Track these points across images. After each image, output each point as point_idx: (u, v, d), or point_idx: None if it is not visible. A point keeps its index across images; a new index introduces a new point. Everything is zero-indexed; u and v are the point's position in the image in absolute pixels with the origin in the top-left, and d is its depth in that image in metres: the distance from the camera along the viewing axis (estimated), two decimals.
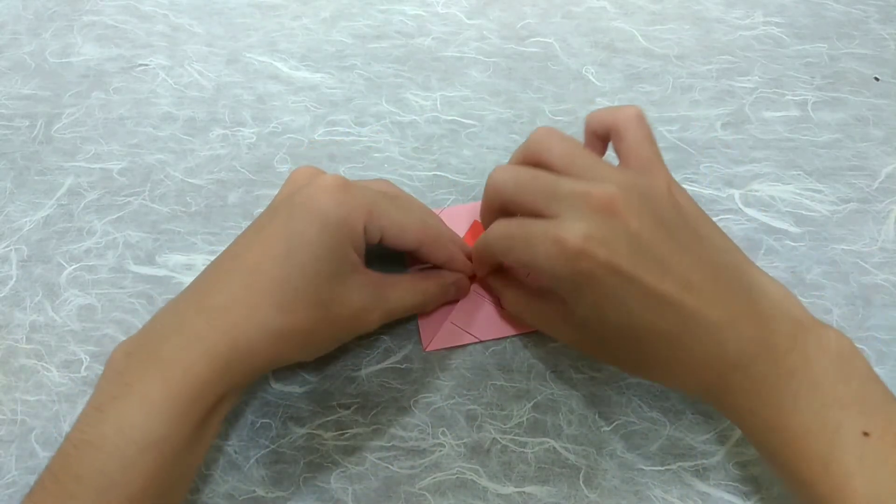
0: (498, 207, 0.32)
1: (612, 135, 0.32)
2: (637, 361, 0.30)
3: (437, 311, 0.36)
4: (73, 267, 0.39)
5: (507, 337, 0.36)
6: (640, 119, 0.31)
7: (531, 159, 0.31)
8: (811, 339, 0.28)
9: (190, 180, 0.42)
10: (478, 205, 0.40)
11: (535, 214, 0.29)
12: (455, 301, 0.36)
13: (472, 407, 0.35)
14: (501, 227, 0.31)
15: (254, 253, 0.29)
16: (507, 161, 0.42)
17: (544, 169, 0.30)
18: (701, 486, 0.33)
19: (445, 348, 0.36)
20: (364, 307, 0.30)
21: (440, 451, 0.34)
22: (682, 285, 0.27)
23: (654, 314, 0.27)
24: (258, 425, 0.34)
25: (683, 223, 0.29)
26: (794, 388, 0.27)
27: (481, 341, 0.36)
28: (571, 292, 0.29)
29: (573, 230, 0.27)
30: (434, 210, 0.40)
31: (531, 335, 0.36)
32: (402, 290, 0.33)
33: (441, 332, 0.36)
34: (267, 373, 0.32)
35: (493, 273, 0.36)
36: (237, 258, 0.29)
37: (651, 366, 0.30)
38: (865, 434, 0.26)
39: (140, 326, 0.37)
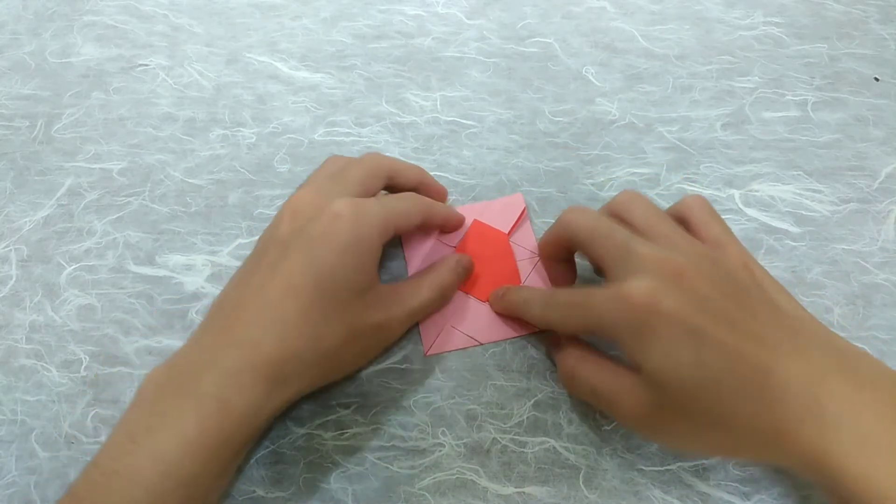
0: (564, 245, 0.33)
1: (682, 220, 0.32)
2: (719, 420, 0.26)
3: (436, 316, 0.36)
4: (72, 267, 0.39)
5: (508, 339, 0.36)
6: (704, 203, 0.32)
7: (613, 214, 0.32)
8: None
9: (190, 180, 0.42)
10: (477, 205, 0.40)
11: (601, 266, 0.30)
12: (445, 305, 0.37)
13: (471, 407, 0.35)
14: (564, 294, 0.32)
15: (278, 285, 0.29)
16: (507, 162, 0.42)
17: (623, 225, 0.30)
18: (701, 486, 0.33)
19: (446, 351, 0.36)
20: (384, 318, 0.32)
21: (440, 451, 0.34)
22: (758, 338, 0.26)
23: (730, 363, 0.26)
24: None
25: (759, 292, 0.28)
26: None
27: (481, 344, 0.36)
28: (636, 344, 0.27)
29: (639, 287, 0.27)
30: None
31: (531, 335, 0.36)
32: (417, 288, 0.34)
33: (441, 336, 0.36)
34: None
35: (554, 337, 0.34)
36: (260, 291, 0.29)
37: (736, 422, 0.26)
38: None
39: (140, 326, 0.37)
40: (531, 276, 0.37)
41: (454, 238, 0.38)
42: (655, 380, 0.27)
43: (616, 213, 0.32)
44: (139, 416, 0.28)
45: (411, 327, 0.36)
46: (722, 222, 0.32)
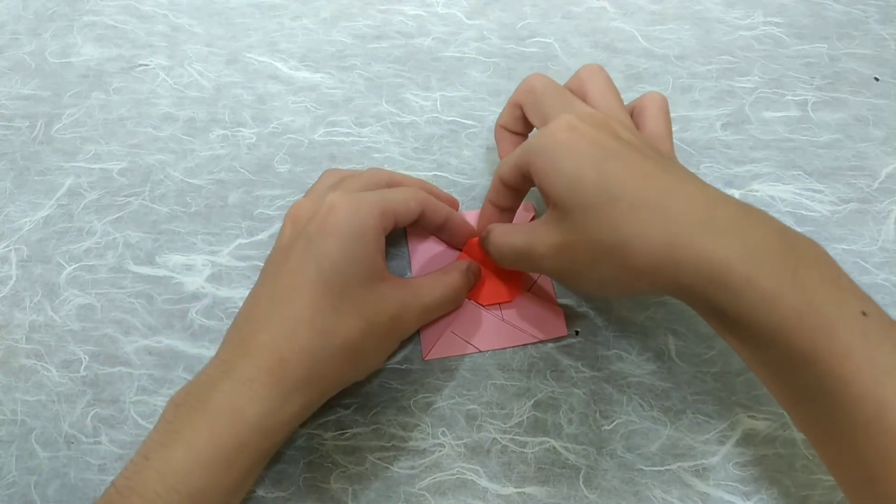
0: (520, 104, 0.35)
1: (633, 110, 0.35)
2: (614, 233, 0.27)
3: (437, 321, 0.36)
4: (72, 267, 0.39)
5: (507, 348, 0.36)
6: (662, 101, 0.34)
7: (572, 89, 0.34)
8: (797, 233, 0.27)
9: (190, 180, 0.42)
10: (475, 213, 0.40)
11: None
12: (454, 310, 0.36)
13: (471, 407, 0.35)
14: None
15: (283, 287, 0.29)
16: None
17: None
18: (701, 486, 0.33)
19: (445, 357, 0.36)
20: (400, 308, 0.31)
21: (440, 451, 0.34)
22: (666, 168, 0.28)
23: (634, 180, 0.27)
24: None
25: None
26: (794, 262, 0.26)
27: (480, 351, 0.36)
28: (549, 168, 0.29)
29: (564, 117, 0.29)
30: None
31: (532, 344, 0.36)
32: (430, 285, 0.34)
33: (441, 342, 0.36)
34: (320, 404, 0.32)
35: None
36: (269, 297, 0.29)
37: (630, 234, 0.27)
38: (864, 314, 0.25)
39: (140, 326, 0.37)
40: (535, 285, 0.37)
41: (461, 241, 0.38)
42: (562, 204, 0.28)
43: (575, 89, 0.34)
44: (156, 436, 0.27)
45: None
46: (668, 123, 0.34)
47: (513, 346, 0.36)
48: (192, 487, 0.26)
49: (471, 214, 0.39)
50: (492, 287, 0.37)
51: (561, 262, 0.30)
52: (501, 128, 0.37)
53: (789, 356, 0.26)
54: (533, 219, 0.39)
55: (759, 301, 0.25)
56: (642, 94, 0.35)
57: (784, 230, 0.27)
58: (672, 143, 0.33)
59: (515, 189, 0.34)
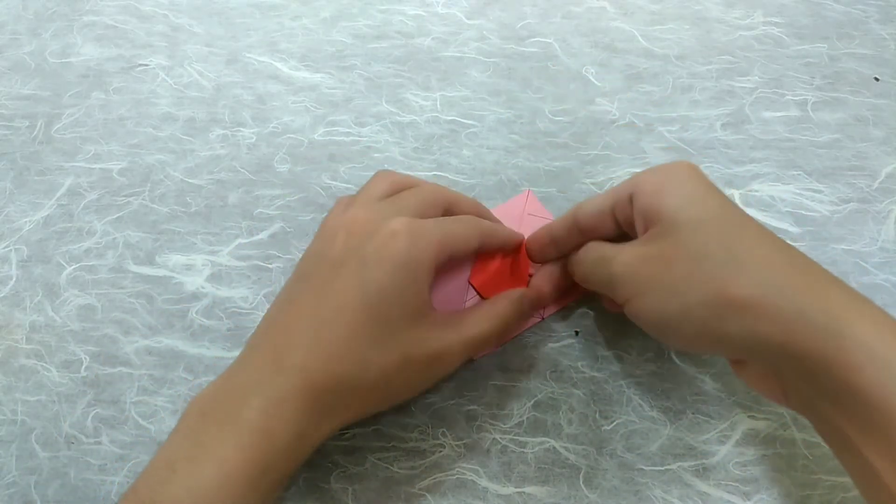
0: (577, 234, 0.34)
1: None
2: (726, 252, 0.27)
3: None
4: (73, 267, 0.39)
5: (513, 336, 0.36)
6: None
7: None
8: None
9: (190, 180, 0.42)
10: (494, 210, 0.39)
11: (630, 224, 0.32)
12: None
13: (471, 407, 0.35)
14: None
15: (328, 307, 0.28)
16: (507, 162, 0.42)
17: None
18: (701, 486, 0.33)
19: None
20: (441, 347, 0.30)
21: (440, 451, 0.34)
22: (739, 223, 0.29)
23: (755, 231, 0.28)
24: None
25: None
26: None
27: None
28: (655, 196, 0.29)
29: (655, 167, 0.31)
30: None
31: (531, 335, 0.36)
32: (477, 317, 0.32)
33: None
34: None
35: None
36: (309, 313, 0.28)
37: (750, 261, 0.27)
38: None
39: (140, 326, 0.37)
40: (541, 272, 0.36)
41: None
42: (671, 219, 0.28)
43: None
44: (180, 444, 0.27)
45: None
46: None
47: (516, 335, 0.36)
48: None
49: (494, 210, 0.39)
50: (499, 281, 0.36)
51: (646, 273, 0.29)
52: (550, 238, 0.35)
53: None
54: (528, 196, 0.40)
55: (887, 376, 0.24)
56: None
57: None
58: None
59: (584, 234, 0.33)
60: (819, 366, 0.25)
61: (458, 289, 0.36)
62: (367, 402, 0.29)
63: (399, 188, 0.32)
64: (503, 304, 0.33)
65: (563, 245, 0.34)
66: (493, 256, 0.36)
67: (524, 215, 0.39)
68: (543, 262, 0.36)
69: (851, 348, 0.25)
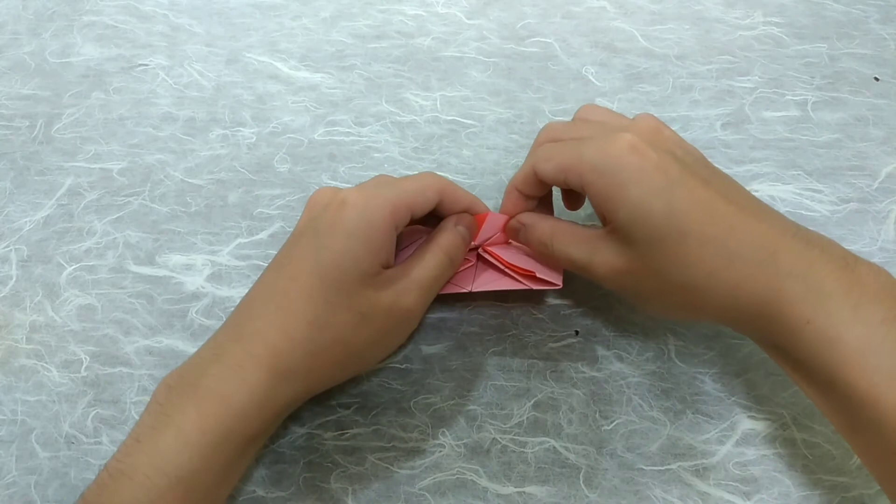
0: (540, 183, 0.33)
1: None
2: (682, 271, 0.28)
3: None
4: (73, 267, 0.39)
5: (499, 291, 0.34)
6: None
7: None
8: (861, 263, 0.27)
9: (190, 180, 0.42)
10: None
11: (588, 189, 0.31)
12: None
13: (471, 407, 0.35)
14: (550, 146, 0.32)
15: (284, 276, 0.29)
16: (507, 162, 0.42)
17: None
18: (701, 486, 0.33)
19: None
20: (393, 299, 0.30)
21: (440, 451, 0.34)
22: (727, 197, 0.28)
23: (701, 215, 0.28)
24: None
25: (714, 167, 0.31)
26: (854, 300, 0.26)
27: (471, 292, 0.34)
28: (612, 191, 0.28)
29: (623, 137, 0.29)
30: None
31: (531, 334, 0.36)
32: (421, 258, 0.31)
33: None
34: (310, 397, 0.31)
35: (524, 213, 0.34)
36: (269, 286, 0.30)
37: (697, 274, 0.28)
38: None
39: (140, 326, 0.37)
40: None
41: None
42: (626, 232, 0.29)
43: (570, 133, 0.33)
44: (147, 418, 0.27)
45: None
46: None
47: (505, 290, 0.34)
48: (180, 470, 0.26)
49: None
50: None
51: (623, 284, 0.31)
52: (515, 189, 0.34)
53: (849, 395, 0.26)
54: None
55: (819, 341, 0.26)
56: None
57: (847, 261, 0.27)
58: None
59: (548, 185, 0.33)
60: (785, 353, 0.28)
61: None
62: (329, 364, 0.29)
63: None
64: (441, 236, 0.32)
65: (533, 198, 0.34)
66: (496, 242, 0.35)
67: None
68: (516, 213, 0.35)
69: (810, 340, 0.26)
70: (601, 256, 0.30)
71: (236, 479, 0.29)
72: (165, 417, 0.27)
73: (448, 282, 0.34)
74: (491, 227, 0.35)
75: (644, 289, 0.30)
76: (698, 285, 0.28)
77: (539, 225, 0.33)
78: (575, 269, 0.32)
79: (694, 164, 0.30)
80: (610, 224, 0.30)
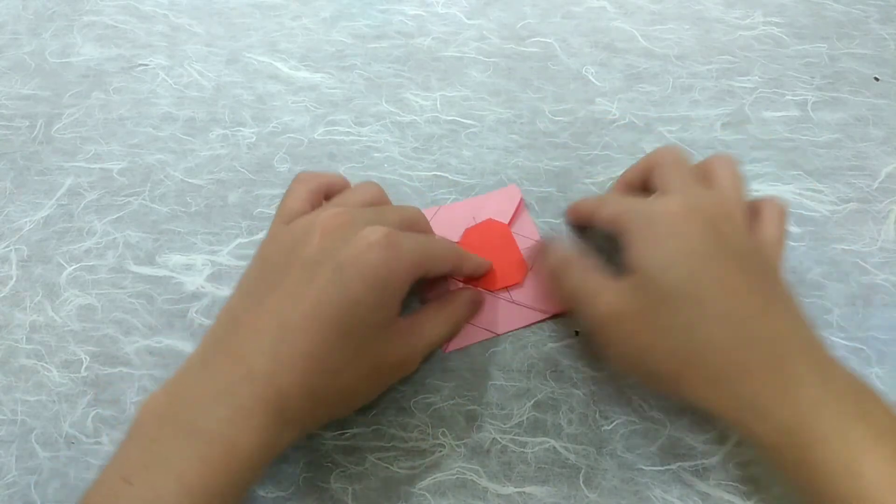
0: (645, 175, 0.35)
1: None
2: (687, 336, 0.28)
3: None
4: (73, 267, 0.39)
5: (523, 327, 0.36)
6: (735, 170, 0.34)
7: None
8: (872, 395, 0.27)
9: (190, 180, 0.42)
10: (474, 200, 0.40)
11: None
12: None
13: (471, 407, 0.35)
14: (619, 199, 0.34)
15: (299, 313, 0.27)
16: (507, 162, 0.42)
17: None
18: (701, 486, 0.33)
19: (464, 347, 0.36)
20: (406, 354, 0.31)
21: (440, 451, 0.34)
22: (758, 286, 0.28)
23: (722, 292, 0.28)
24: None
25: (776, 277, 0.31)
26: (875, 430, 0.26)
27: (498, 335, 0.36)
28: (646, 240, 0.29)
29: (678, 198, 0.30)
30: (431, 208, 0.40)
31: (531, 334, 0.36)
32: (435, 323, 0.33)
33: (459, 334, 0.36)
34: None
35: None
36: (281, 318, 0.27)
37: (700, 347, 0.28)
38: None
39: (140, 326, 0.37)
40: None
41: (457, 232, 0.38)
42: (645, 280, 0.29)
43: (704, 170, 0.33)
44: (135, 453, 0.25)
45: None
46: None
47: (528, 325, 0.36)
48: None
49: (462, 204, 0.40)
50: (495, 273, 0.37)
51: (616, 332, 0.30)
52: (624, 183, 0.36)
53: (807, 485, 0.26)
54: (520, 203, 0.40)
55: (833, 466, 0.25)
56: (764, 197, 0.33)
57: (864, 395, 0.27)
58: (782, 252, 0.32)
59: (591, 220, 0.35)
60: (774, 457, 0.27)
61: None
62: (333, 410, 0.30)
63: (377, 201, 0.33)
64: (456, 305, 0.34)
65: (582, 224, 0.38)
66: (482, 252, 0.37)
67: (512, 221, 0.39)
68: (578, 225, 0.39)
69: (812, 450, 0.26)
70: (608, 295, 0.30)
71: None
72: (161, 459, 0.25)
73: (475, 325, 0.36)
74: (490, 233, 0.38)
75: (634, 343, 0.29)
76: (700, 354, 0.28)
77: (561, 248, 0.35)
78: (577, 302, 0.32)
79: (743, 250, 0.29)
80: (632, 270, 0.30)
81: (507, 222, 0.39)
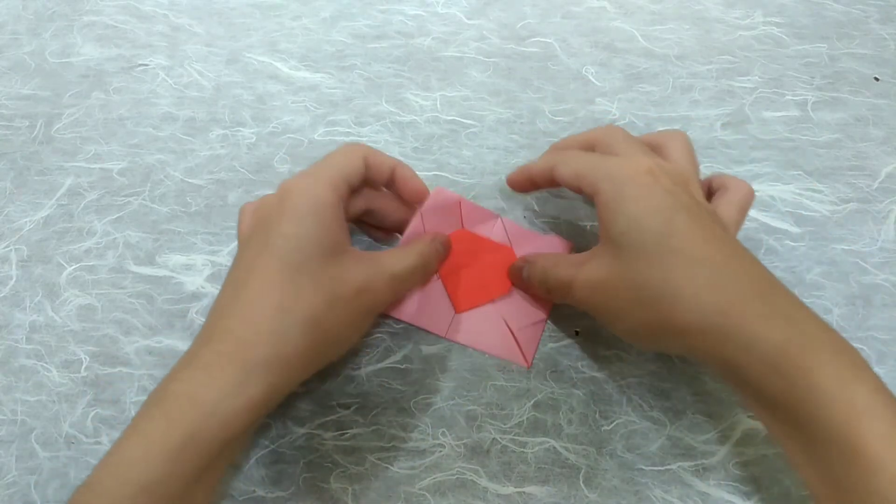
0: (546, 184, 0.35)
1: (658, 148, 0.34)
2: (665, 285, 0.28)
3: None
4: (73, 267, 0.39)
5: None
6: (686, 140, 0.34)
7: (590, 146, 0.34)
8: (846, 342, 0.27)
9: (190, 180, 0.42)
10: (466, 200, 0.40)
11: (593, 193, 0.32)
12: (424, 285, 0.36)
13: (471, 407, 0.35)
14: (576, 154, 0.33)
15: (243, 270, 0.29)
16: (507, 162, 0.42)
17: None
18: (701, 486, 0.33)
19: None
20: (365, 279, 0.30)
21: (440, 451, 0.34)
22: (728, 238, 0.29)
23: (698, 238, 0.28)
24: (258, 425, 0.34)
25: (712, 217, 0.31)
26: (852, 360, 0.26)
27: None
28: (618, 201, 0.29)
29: (646, 159, 0.30)
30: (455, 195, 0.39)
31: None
32: (397, 254, 0.33)
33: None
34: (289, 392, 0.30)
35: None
36: (231, 284, 0.29)
37: (681, 293, 0.27)
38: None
39: (140, 326, 0.37)
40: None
41: (454, 225, 0.38)
42: (618, 242, 0.29)
43: (594, 146, 0.34)
44: (124, 431, 0.27)
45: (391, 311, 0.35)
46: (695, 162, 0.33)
47: (475, 347, 0.36)
48: (144, 478, 0.25)
49: (447, 192, 0.38)
50: (493, 277, 0.37)
51: (599, 299, 0.31)
52: (530, 174, 0.36)
53: (842, 452, 0.25)
54: (460, 203, 0.38)
55: (820, 394, 0.25)
56: (718, 175, 0.34)
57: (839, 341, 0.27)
58: (737, 231, 0.32)
59: (558, 185, 0.34)
60: (765, 393, 0.27)
61: (437, 291, 0.37)
62: (302, 350, 0.28)
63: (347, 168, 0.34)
64: (421, 243, 0.34)
65: (539, 186, 0.36)
66: (462, 262, 0.37)
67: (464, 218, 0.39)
68: (522, 191, 0.38)
69: (806, 387, 0.25)
70: (584, 273, 0.31)
71: (213, 485, 0.28)
72: (132, 428, 0.26)
73: (425, 315, 0.36)
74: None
75: (619, 303, 0.30)
76: (680, 301, 0.27)
77: (539, 259, 0.35)
78: (559, 293, 0.33)
79: (710, 210, 0.30)
80: (604, 236, 0.30)
81: (462, 226, 0.38)
